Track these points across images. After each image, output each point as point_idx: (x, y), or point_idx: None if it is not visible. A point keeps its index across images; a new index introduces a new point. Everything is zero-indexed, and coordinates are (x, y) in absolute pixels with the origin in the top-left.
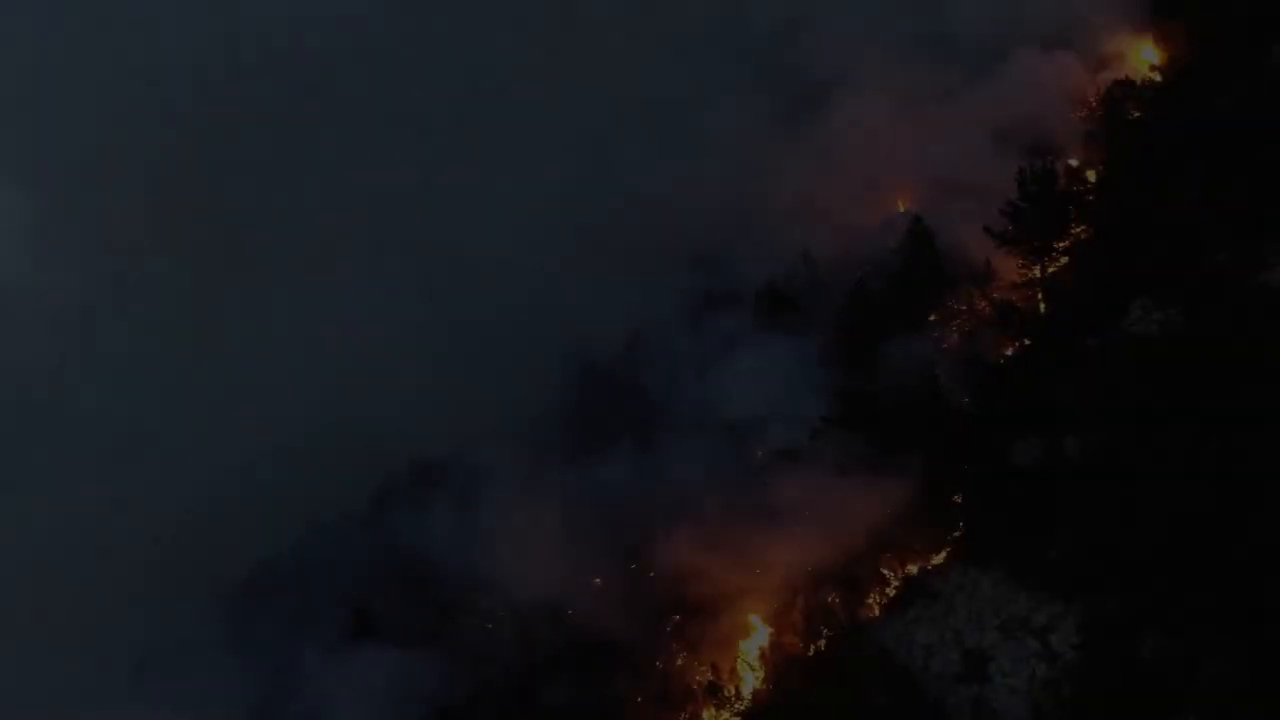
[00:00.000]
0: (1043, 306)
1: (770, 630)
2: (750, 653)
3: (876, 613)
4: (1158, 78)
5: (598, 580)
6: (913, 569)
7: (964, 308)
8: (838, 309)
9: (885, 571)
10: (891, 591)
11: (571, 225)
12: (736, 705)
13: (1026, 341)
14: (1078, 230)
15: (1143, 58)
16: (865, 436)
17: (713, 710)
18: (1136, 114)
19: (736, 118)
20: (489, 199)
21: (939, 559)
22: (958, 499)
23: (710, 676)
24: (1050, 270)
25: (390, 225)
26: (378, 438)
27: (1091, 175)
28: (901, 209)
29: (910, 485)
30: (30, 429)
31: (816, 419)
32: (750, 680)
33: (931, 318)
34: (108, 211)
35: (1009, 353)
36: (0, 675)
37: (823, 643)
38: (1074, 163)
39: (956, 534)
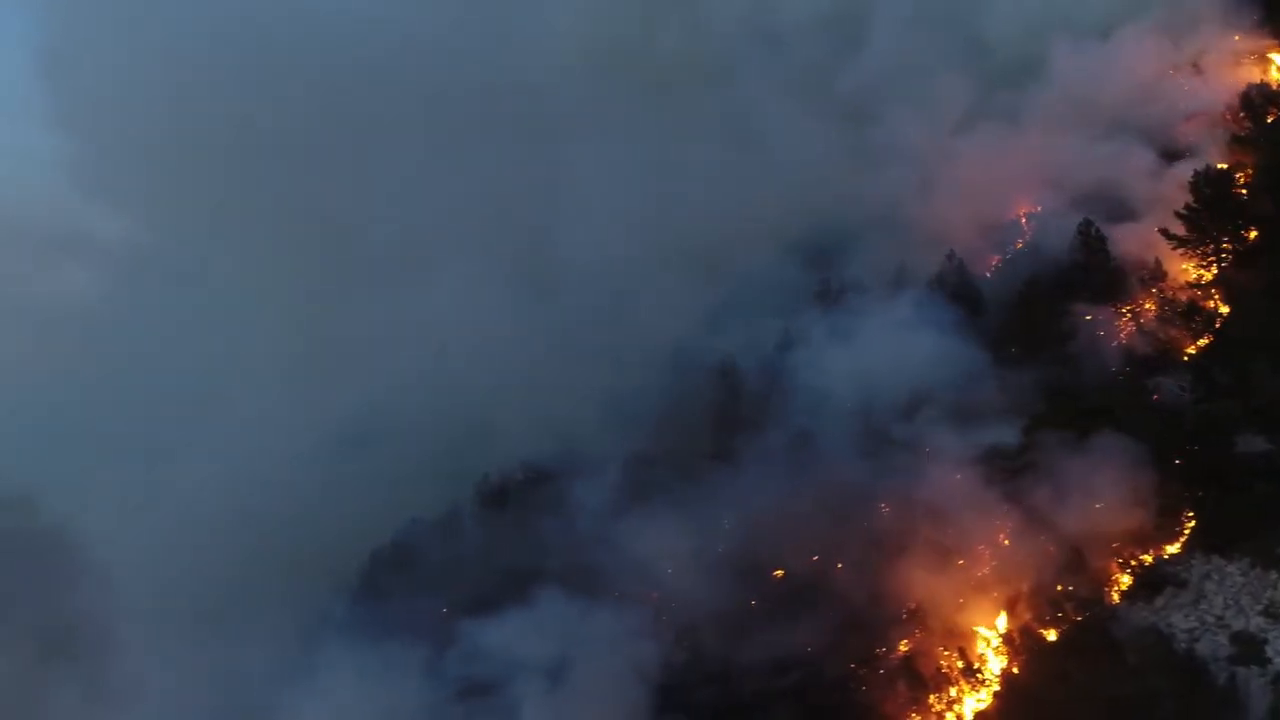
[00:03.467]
0: (1222, 307)
1: (1008, 617)
2: (992, 639)
3: (1116, 600)
4: None
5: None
6: (1147, 558)
7: (1136, 307)
8: (1008, 307)
9: (1120, 561)
10: (1128, 580)
11: (689, 223)
12: (991, 687)
13: (1209, 339)
14: (1246, 232)
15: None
16: (1076, 432)
17: (967, 689)
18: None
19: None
20: (596, 196)
21: (1174, 548)
22: (1189, 491)
23: (958, 660)
24: (1224, 270)
25: (492, 225)
26: (485, 435)
27: (1242, 178)
28: (1024, 213)
29: (1133, 478)
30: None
31: (1025, 417)
32: (995, 663)
33: (1089, 317)
34: (217, 221)
35: (1193, 351)
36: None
37: (1070, 628)
38: (1223, 166)
39: (1190, 524)
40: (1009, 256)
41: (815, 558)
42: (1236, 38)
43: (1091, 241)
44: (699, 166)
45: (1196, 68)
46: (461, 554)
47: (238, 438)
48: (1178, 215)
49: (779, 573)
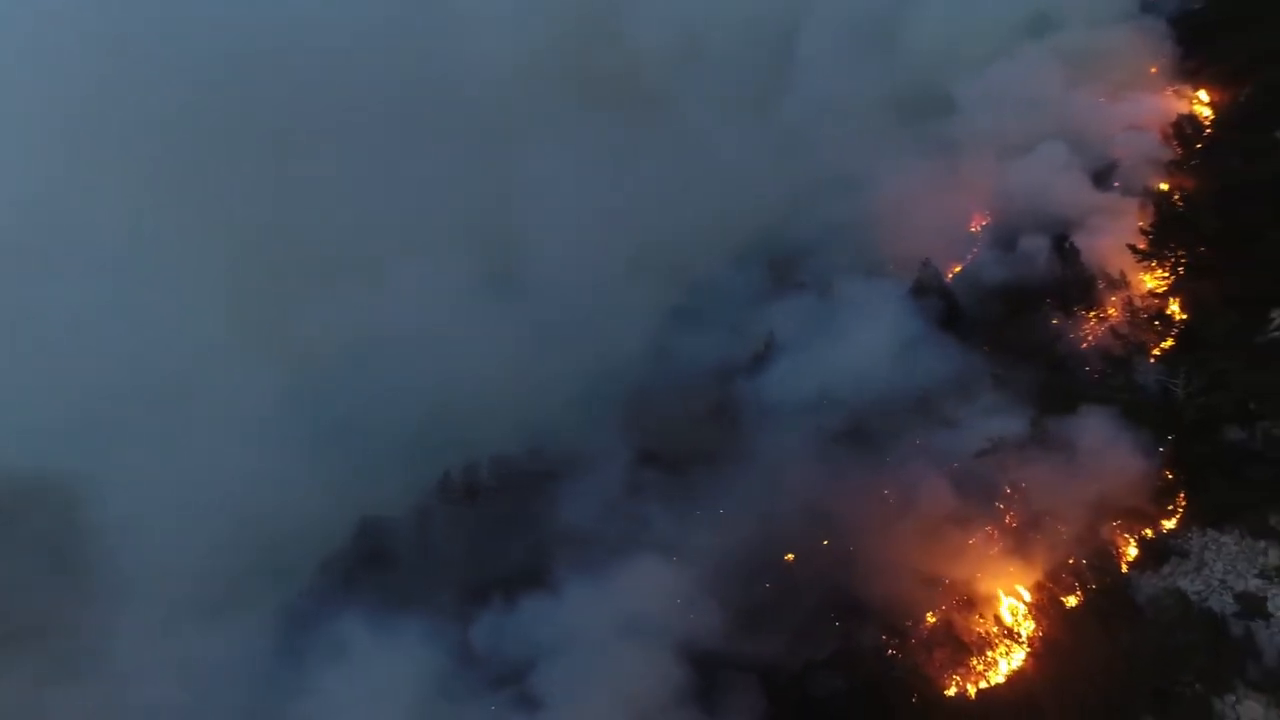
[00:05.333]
0: (1181, 314)
1: (1031, 587)
2: (1019, 607)
3: (1125, 570)
4: (1210, 113)
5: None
6: (1149, 533)
7: (1102, 313)
8: (985, 311)
9: (1126, 536)
10: (1134, 553)
11: (643, 225)
12: (1024, 649)
13: (1170, 343)
14: (1198, 248)
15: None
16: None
17: (1005, 649)
18: (1199, 145)
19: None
20: (552, 197)
21: (1171, 524)
22: (1185, 474)
23: (994, 625)
24: (1180, 281)
25: (448, 226)
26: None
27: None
28: (976, 227)
29: (1133, 463)
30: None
31: (1025, 409)
32: (1025, 628)
33: (1055, 321)
34: (177, 216)
35: (1158, 352)
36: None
37: (1091, 595)
38: (1164, 187)
39: (1184, 503)
40: (969, 265)
41: (825, 543)
42: (1153, 70)
43: (1066, 253)
44: (648, 173)
45: (1120, 95)
46: (429, 549)
47: (198, 433)
48: (1142, 231)
49: (789, 557)
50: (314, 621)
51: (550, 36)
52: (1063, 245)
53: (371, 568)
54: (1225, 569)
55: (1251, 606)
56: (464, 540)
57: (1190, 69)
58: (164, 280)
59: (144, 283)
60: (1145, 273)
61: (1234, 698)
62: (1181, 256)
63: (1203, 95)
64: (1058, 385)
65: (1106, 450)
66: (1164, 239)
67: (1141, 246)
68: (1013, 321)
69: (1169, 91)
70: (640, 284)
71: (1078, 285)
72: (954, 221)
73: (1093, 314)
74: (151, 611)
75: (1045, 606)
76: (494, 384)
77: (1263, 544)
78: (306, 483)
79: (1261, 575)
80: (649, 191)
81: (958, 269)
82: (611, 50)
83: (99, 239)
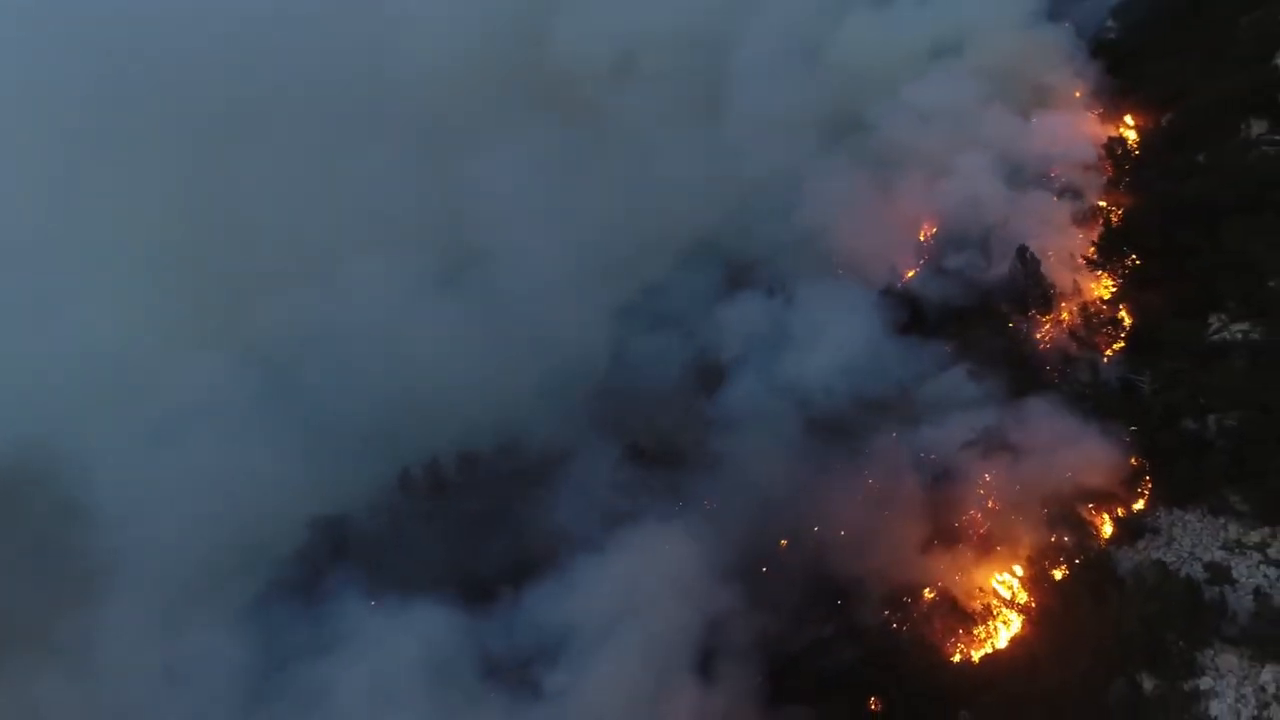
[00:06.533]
0: (1128, 319)
1: (1021, 563)
2: (1013, 581)
3: (1104, 546)
4: (1136, 137)
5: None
6: (1121, 512)
7: (1060, 319)
8: (949, 315)
9: (1102, 516)
10: (1109, 530)
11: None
12: (1021, 618)
13: (1120, 345)
14: (1137, 260)
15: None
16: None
17: (1005, 616)
18: (1128, 166)
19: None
20: (513, 198)
21: (1140, 505)
22: (1150, 460)
23: (992, 598)
24: (1125, 289)
25: (416, 223)
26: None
27: (1115, 216)
28: (923, 236)
29: (1105, 451)
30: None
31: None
32: (1021, 598)
33: (1012, 325)
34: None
35: (1109, 354)
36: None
37: (1077, 568)
38: (1102, 204)
39: (1150, 486)
40: (924, 272)
41: (815, 529)
42: (1077, 94)
43: (1028, 262)
44: (596, 175)
45: (1050, 115)
46: (389, 544)
47: (158, 430)
48: (1092, 243)
49: (784, 543)
50: (274, 618)
51: (500, 42)
52: (1024, 254)
53: (332, 563)
54: (1192, 542)
55: (1219, 574)
56: (429, 534)
57: (1114, 94)
58: (121, 279)
59: (100, 281)
60: (1094, 281)
61: (1212, 651)
62: (1126, 267)
63: (1128, 119)
64: (1030, 382)
65: (1080, 440)
66: (1110, 250)
67: (1091, 255)
68: (976, 323)
69: (1094, 115)
70: (595, 284)
71: (1037, 291)
72: (901, 230)
73: (1048, 318)
74: (115, 607)
75: (1037, 580)
76: (452, 381)
77: (1222, 520)
78: (269, 479)
79: (1224, 547)
80: (597, 192)
81: (911, 274)
82: (555, 59)
83: (52, 238)
